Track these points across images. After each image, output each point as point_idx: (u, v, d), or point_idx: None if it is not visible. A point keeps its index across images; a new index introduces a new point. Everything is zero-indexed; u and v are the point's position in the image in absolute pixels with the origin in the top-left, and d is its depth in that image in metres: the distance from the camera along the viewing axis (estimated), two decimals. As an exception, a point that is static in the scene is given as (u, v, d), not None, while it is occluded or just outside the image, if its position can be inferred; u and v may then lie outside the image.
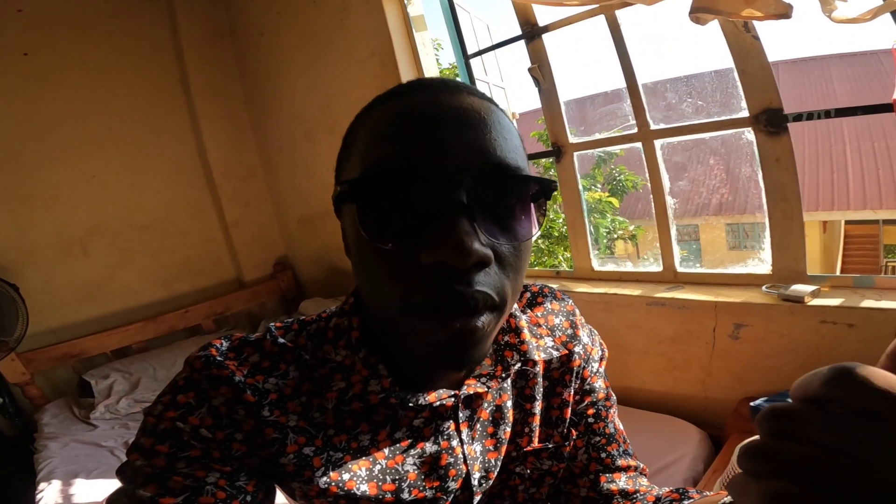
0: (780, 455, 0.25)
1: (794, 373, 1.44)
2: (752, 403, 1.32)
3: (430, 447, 0.50)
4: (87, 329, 2.40)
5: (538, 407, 0.57)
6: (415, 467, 0.50)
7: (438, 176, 0.37)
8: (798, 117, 1.40)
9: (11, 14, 2.21)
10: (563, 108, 1.85)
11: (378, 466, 0.49)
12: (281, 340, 0.50)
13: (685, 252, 7.28)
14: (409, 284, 0.39)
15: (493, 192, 0.39)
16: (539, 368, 0.57)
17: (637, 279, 1.81)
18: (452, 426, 0.51)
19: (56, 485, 1.66)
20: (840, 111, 1.40)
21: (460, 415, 0.51)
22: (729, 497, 0.42)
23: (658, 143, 1.67)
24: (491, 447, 0.54)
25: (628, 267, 1.93)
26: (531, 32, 1.81)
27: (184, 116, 2.73)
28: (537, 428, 0.57)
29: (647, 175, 1.71)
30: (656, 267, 1.77)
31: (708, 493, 0.54)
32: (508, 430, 0.55)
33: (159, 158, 2.66)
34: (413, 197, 0.38)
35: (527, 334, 0.55)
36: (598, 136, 1.93)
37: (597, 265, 1.92)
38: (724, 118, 1.56)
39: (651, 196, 1.71)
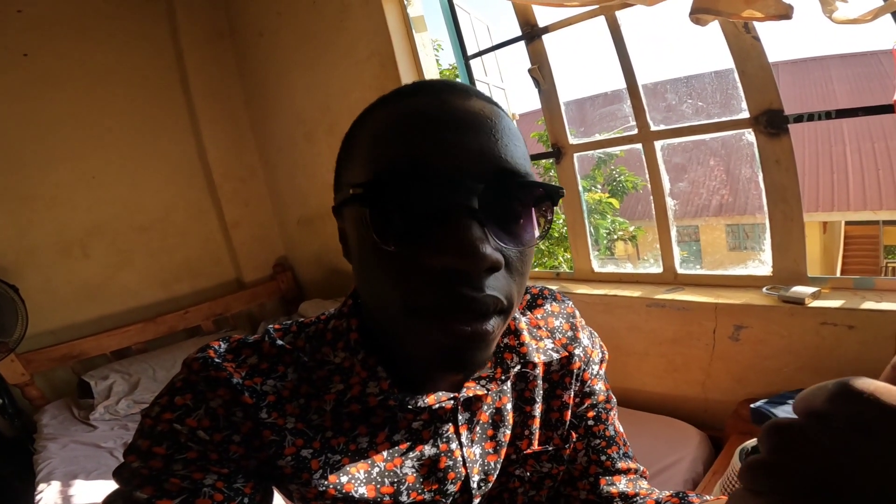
0: (780, 471, 0.24)
1: (794, 374, 1.44)
2: (752, 405, 1.32)
3: (428, 450, 0.50)
4: (87, 330, 2.40)
5: (538, 409, 0.56)
6: (413, 470, 0.50)
7: (450, 181, 0.37)
8: (798, 118, 1.40)
9: (11, 15, 2.21)
10: (563, 108, 1.85)
11: (376, 469, 0.48)
12: (279, 342, 0.50)
13: (685, 253, 7.28)
14: (416, 288, 0.38)
15: (502, 198, 0.39)
16: (539, 371, 0.56)
17: (637, 280, 1.81)
18: (451, 429, 0.51)
19: (55, 486, 1.66)
20: (840, 112, 1.40)
21: (459, 417, 0.51)
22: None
23: (658, 144, 1.67)
24: (490, 450, 0.54)
25: (628, 268, 1.93)
26: (531, 33, 1.81)
27: (183, 117, 2.73)
28: (537, 430, 0.57)
29: (647, 176, 1.71)
30: (656, 268, 1.77)
31: (708, 498, 0.54)
32: (508, 432, 0.55)
33: (159, 159, 2.66)
34: (425, 201, 0.38)
35: (526, 336, 0.55)
36: (598, 137, 1.93)
37: (597, 266, 1.92)
38: (724, 119, 1.55)
39: (651, 197, 1.71)
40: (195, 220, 2.81)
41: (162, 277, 2.69)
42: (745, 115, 1.47)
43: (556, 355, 0.58)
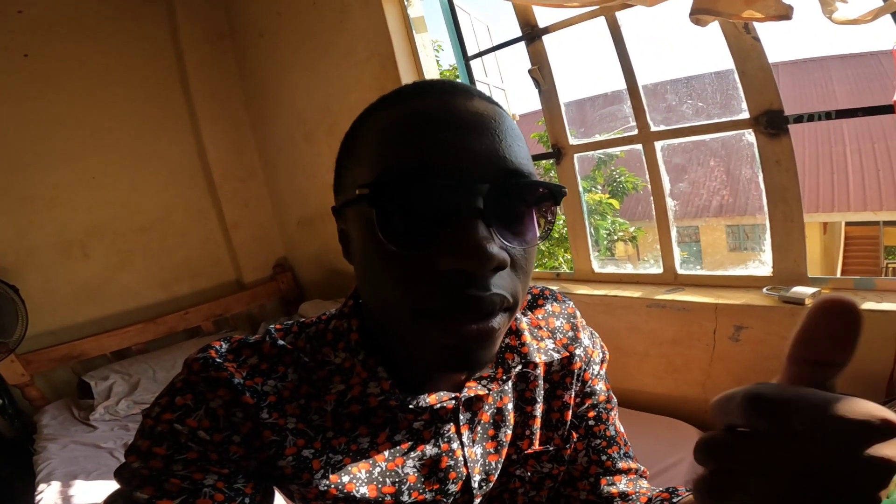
0: (716, 487, 0.25)
1: (794, 375, 1.44)
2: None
3: (430, 450, 0.50)
4: (87, 330, 2.40)
5: (539, 409, 0.57)
6: (415, 470, 0.50)
7: (456, 182, 0.37)
8: (799, 119, 1.40)
9: (12, 15, 2.21)
10: (563, 109, 1.85)
11: (378, 469, 0.49)
12: (280, 342, 0.50)
13: (685, 254, 7.28)
14: (420, 289, 0.39)
15: (506, 198, 0.39)
16: (540, 371, 0.56)
17: (637, 281, 1.81)
18: (453, 429, 0.51)
19: (55, 486, 1.66)
20: (840, 112, 1.40)
21: (461, 417, 0.51)
22: None
23: (658, 144, 1.67)
24: (492, 450, 0.54)
25: (628, 269, 1.93)
26: (531, 34, 1.81)
27: (183, 117, 2.74)
28: (538, 430, 0.57)
29: (647, 177, 1.71)
30: (656, 269, 1.77)
31: None
32: (509, 432, 0.55)
33: (159, 160, 2.66)
34: (430, 202, 0.38)
35: (527, 336, 0.55)
36: (598, 137, 1.93)
37: (597, 267, 1.92)
38: (724, 120, 1.55)
39: (651, 198, 1.71)
40: (195, 220, 2.81)
41: (162, 278, 2.69)
42: (746, 115, 1.47)
43: (556, 355, 0.58)
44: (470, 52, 2.08)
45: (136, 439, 0.44)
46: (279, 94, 2.64)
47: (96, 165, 2.46)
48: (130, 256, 2.59)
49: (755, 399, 0.24)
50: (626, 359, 1.74)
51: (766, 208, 1.51)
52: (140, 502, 0.40)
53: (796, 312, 1.40)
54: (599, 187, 5.52)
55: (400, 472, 0.49)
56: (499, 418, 0.54)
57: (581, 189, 1.93)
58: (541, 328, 0.59)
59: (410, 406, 0.47)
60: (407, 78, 2.06)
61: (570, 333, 0.60)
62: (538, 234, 0.42)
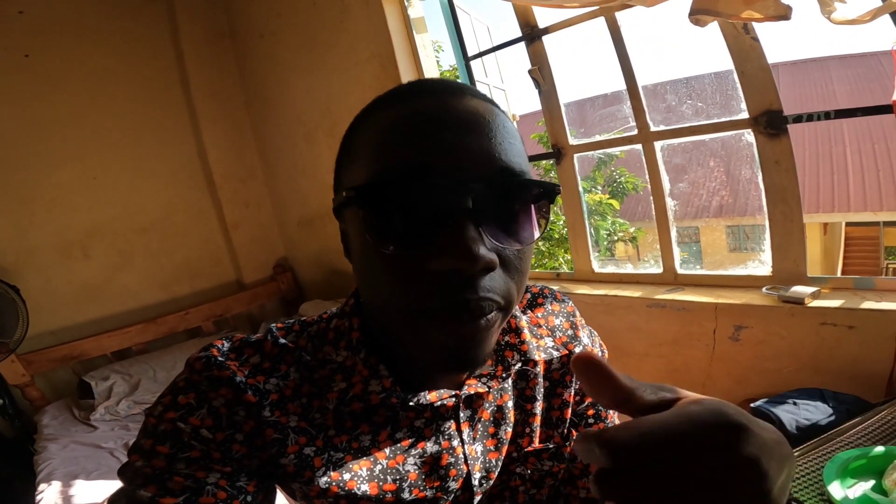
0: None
1: (794, 374, 1.44)
2: (752, 405, 1.32)
3: (430, 447, 0.51)
4: (87, 331, 2.40)
5: (539, 407, 0.57)
6: (415, 467, 0.50)
7: (447, 182, 0.37)
8: (798, 119, 1.41)
9: (12, 16, 2.21)
10: (563, 109, 1.86)
11: (379, 466, 0.49)
12: (282, 341, 0.50)
13: (686, 254, 7.28)
14: (415, 290, 0.39)
15: (498, 197, 0.39)
16: (539, 369, 0.57)
17: (637, 281, 1.81)
18: (453, 426, 0.51)
19: (56, 486, 1.66)
20: (840, 112, 1.40)
21: (461, 415, 0.51)
22: None
23: (658, 144, 1.67)
24: (492, 447, 0.54)
25: (628, 269, 1.93)
26: (531, 34, 1.82)
27: (184, 118, 2.74)
28: (538, 428, 0.57)
29: (647, 177, 1.72)
30: (656, 268, 1.77)
31: None
32: (510, 430, 0.55)
33: (159, 160, 2.66)
34: (421, 203, 0.38)
35: (527, 334, 0.55)
36: (598, 137, 1.93)
37: (597, 267, 1.92)
38: (723, 120, 1.56)
39: (651, 198, 1.71)
40: (195, 220, 2.81)
41: (162, 278, 2.69)
42: (745, 115, 1.47)
43: (556, 353, 0.58)
44: (470, 53, 2.08)
45: (139, 438, 0.44)
46: (279, 95, 2.65)
47: (97, 166, 2.47)
48: (131, 257, 2.59)
49: (604, 443, 0.24)
50: (625, 359, 1.74)
51: (765, 208, 1.51)
52: (143, 501, 0.40)
53: (796, 312, 1.40)
54: (599, 188, 5.53)
55: (401, 469, 0.49)
56: (499, 416, 0.54)
57: (581, 189, 1.93)
58: (540, 326, 0.59)
59: (411, 404, 0.47)
60: (407, 78, 2.06)
61: (570, 332, 0.60)
62: (534, 234, 0.42)
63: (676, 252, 1.72)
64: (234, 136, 2.87)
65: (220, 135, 2.81)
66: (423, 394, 0.48)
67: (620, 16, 1.59)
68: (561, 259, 4.86)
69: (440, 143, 0.38)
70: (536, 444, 0.57)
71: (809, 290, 1.40)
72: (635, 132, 1.69)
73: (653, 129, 1.66)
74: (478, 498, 0.53)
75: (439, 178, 0.38)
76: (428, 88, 0.42)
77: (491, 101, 0.44)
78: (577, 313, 0.63)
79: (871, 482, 0.90)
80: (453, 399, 0.49)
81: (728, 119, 1.54)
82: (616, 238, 5.77)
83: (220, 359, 0.46)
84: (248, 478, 0.45)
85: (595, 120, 7.28)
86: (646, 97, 1.65)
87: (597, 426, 0.60)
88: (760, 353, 1.48)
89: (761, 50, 1.39)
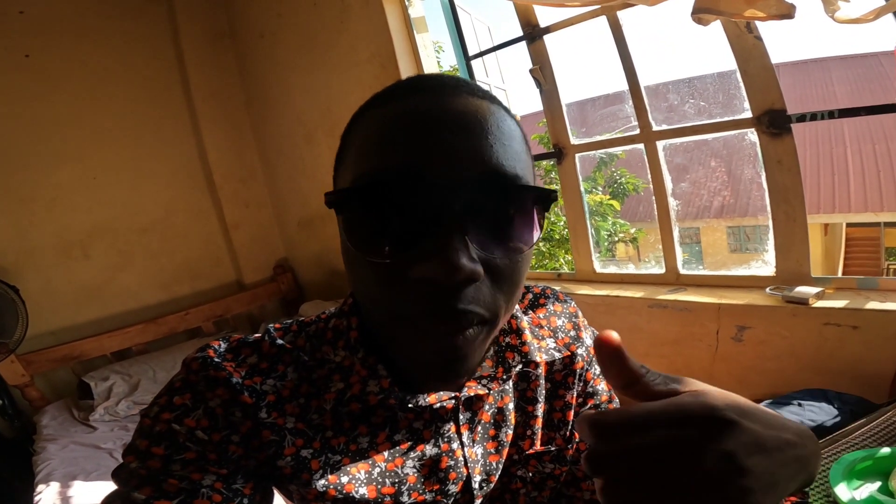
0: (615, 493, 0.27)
1: (796, 375, 1.44)
2: (755, 406, 1.31)
3: (430, 450, 0.50)
4: (87, 331, 2.40)
5: (540, 409, 0.56)
6: (414, 470, 0.49)
7: (430, 187, 0.35)
8: (801, 118, 1.40)
9: (13, 16, 2.21)
10: (564, 109, 1.85)
11: (377, 469, 0.48)
12: (279, 342, 0.49)
13: (687, 255, 7.27)
14: (396, 297, 0.38)
15: (488, 203, 0.37)
16: (541, 370, 0.56)
17: (639, 281, 1.80)
18: (453, 428, 0.51)
19: (54, 486, 1.66)
20: (843, 112, 1.40)
21: (461, 417, 0.50)
22: None
23: (660, 144, 1.66)
24: (492, 450, 0.53)
25: (630, 269, 1.92)
26: (532, 34, 1.81)
27: (184, 118, 2.74)
28: (539, 430, 0.56)
29: (648, 177, 1.71)
30: (658, 269, 1.76)
31: None
32: (510, 432, 0.54)
33: (159, 160, 2.66)
34: (403, 209, 0.36)
35: (528, 336, 0.54)
36: (599, 137, 1.93)
37: (598, 267, 1.92)
38: (726, 119, 1.55)
39: (653, 198, 1.70)
40: (195, 221, 2.81)
41: (162, 279, 2.69)
42: (748, 114, 1.47)
43: (558, 354, 0.57)
44: (471, 52, 2.08)
45: (135, 439, 0.43)
46: (280, 95, 2.65)
47: (97, 166, 2.46)
48: (131, 257, 2.59)
49: (591, 423, 0.27)
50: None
51: (768, 208, 1.50)
52: (138, 502, 0.39)
53: (799, 312, 1.39)
54: (600, 188, 5.52)
55: (399, 472, 0.49)
56: (499, 418, 0.53)
57: (582, 189, 1.92)
58: (542, 327, 0.58)
59: (410, 405, 0.47)
60: (408, 78, 2.05)
61: (573, 333, 0.59)
62: (527, 243, 0.39)
63: (679, 252, 1.71)
64: (235, 136, 2.87)
65: (221, 135, 2.81)
66: (421, 395, 0.47)
67: (622, 15, 1.59)
68: (562, 260, 4.85)
69: (426, 144, 0.36)
70: (538, 446, 0.56)
71: (814, 290, 1.39)
72: (637, 132, 1.68)
73: (655, 128, 1.65)
74: (478, 501, 0.53)
75: (424, 182, 0.36)
76: (422, 86, 0.41)
77: (491, 99, 0.42)
78: (580, 314, 0.62)
79: (878, 483, 0.89)
80: (453, 401, 0.48)
81: (731, 118, 1.53)
82: (617, 239, 5.77)
83: (216, 359, 0.45)
84: (245, 480, 0.44)
85: (596, 119, 7.28)
86: (648, 97, 1.64)
87: None
88: (763, 354, 1.47)
89: (764, 49, 1.38)
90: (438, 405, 0.47)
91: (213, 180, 2.80)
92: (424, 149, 0.36)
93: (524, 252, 0.39)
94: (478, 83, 0.47)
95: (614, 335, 0.28)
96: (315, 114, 2.48)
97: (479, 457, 0.52)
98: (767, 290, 1.49)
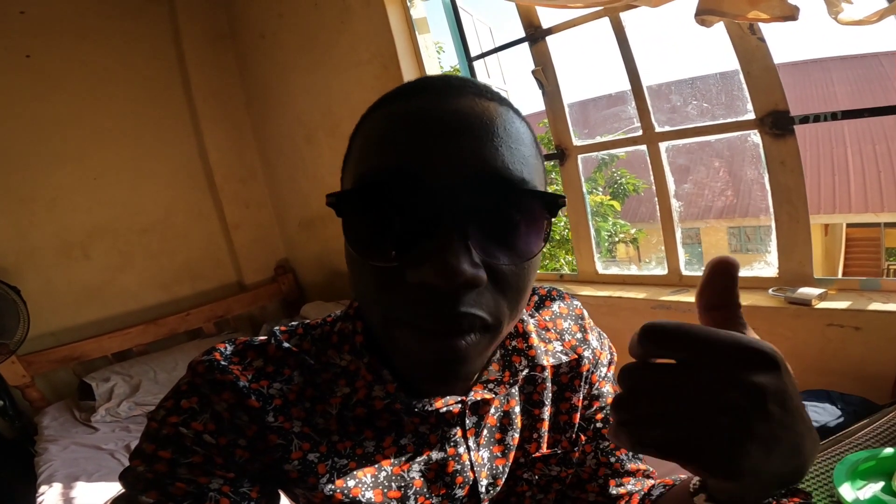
0: (628, 405, 0.28)
1: (799, 376, 1.43)
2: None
3: (436, 454, 0.50)
4: (88, 332, 2.40)
5: (547, 412, 0.56)
6: (421, 474, 0.49)
7: (431, 190, 0.35)
8: (804, 119, 1.40)
9: (14, 16, 2.21)
10: (566, 110, 1.85)
11: (383, 473, 0.48)
12: (286, 345, 0.49)
13: (687, 255, 7.27)
14: (393, 301, 0.37)
15: (492, 206, 0.36)
16: (547, 373, 0.56)
17: (641, 282, 1.80)
18: (459, 433, 0.50)
19: (57, 487, 1.66)
20: (846, 113, 1.39)
21: (467, 421, 0.50)
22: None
23: (663, 145, 1.66)
24: (499, 454, 0.53)
25: (632, 270, 1.92)
26: (535, 35, 1.81)
27: (184, 118, 2.74)
28: (546, 433, 0.56)
29: (650, 178, 1.71)
30: (660, 270, 1.76)
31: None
32: (517, 436, 0.54)
33: (160, 160, 2.66)
34: (402, 211, 0.36)
35: (535, 339, 0.54)
36: (601, 139, 1.92)
37: (601, 268, 1.91)
38: (729, 120, 1.55)
39: (656, 199, 1.70)
40: (196, 221, 2.81)
41: (163, 279, 2.69)
42: (751, 116, 1.47)
43: (564, 357, 0.57)
44: (473, 54, 2.07)
45: (141, 442, 0.43)
46: (280, 96, 2.64)
47: (97, 166, 2.46)
48: (131, 258, 2.59)
49: (646, 328, 0.28)
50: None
51: (771, 209, 1.50)
52: None
53: (802, 313, 1.39)
54: (600, 189, 5.52)
55: (406, 476, 0.49)
56: (506, 422, 0.53)
57: (584, 190, 1.92)
58: (548, 330, 0.58)
59: (416, 410, 0.46)
60: (409, 79, 2.05)
61: (579, 335, 0.59)
62: (532, 249, 0.38)
63: (681, 253, 1.71)
64: (235, 136, 2.87)
65: (221, 135, 2.81)
66: (427, 400, 0.47)
67: (625, 16, 1.59)
68: (562, 260, 4.85)
69: (426, 145, 0.36)
70: (544, 449, 0.56)
71: (817, 291, 1.39)
72: (640, 133, 1.68)
73: (658, 129, 1.65)
74: None
75: (423, 183, 0.35)
76: (427, 87, 0.40)
77: (500, 101, 0.41)
78: (586, 315, 0.62)
79: (881, 484, 0.89)
80: (459, 405, 0.48)
81: (734, 120, 1.53)
82: (617, 239, 5.77)
83: (222, 363, 0.45)
84: (251, 483, 0.44)
85: (599, 120, 7.28)
86: (650, 98, 1.64)
87: (605, 430, 0.60)
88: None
89: (767, 50, 1.38)
90: (445, 409, 0.47)
91: (213, 181, 2.80)
92: (424, 150, 0.36)
93: (530, 258, 0.38)
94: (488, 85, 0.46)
95: (736, 262, 0.29)
96: (316, 114, 2.48)
97: (486, 461, 0.52)
98: (770, 291, 1.49)
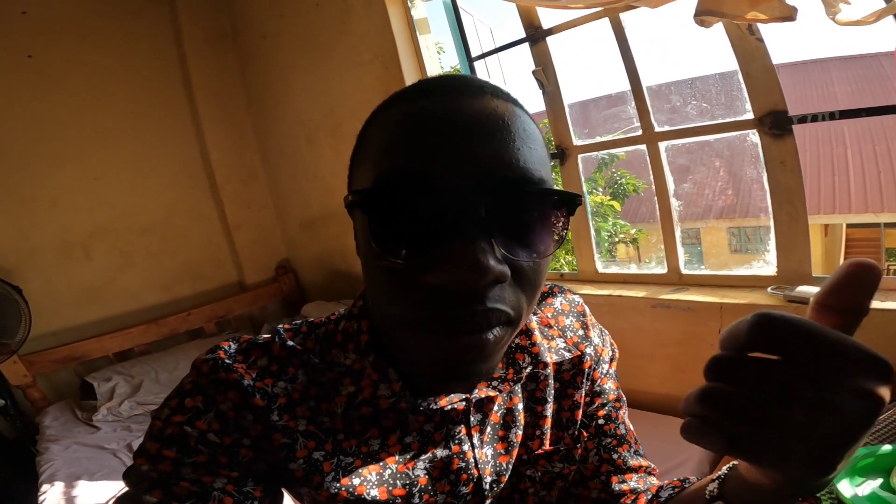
0: (717, 400, 0.27)
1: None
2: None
3: (440, 452, 0.50)
4: (89, 332, 2.40)
5: (549, 409, 0.56)
6: (425, 472, 0.50)
7: (455, 190, 0.36)
8: (803, 119, 1.40)
9: (15, 16, 2.22)
10: (567, 110, 1.85)
11: (388, 471, 0.48)
12: (290, 343, 0.49)
13: (688, 255, 7.27)
14: (418, 300, 0.38)
15: (513, 206, 0.37)
16: (550, 370, 0.56)
17: (641, 281, 1.80)
18: (463, 430, 0.51)
19: (58, 486, 1.66)
20: (844, 113, 1.40)
21: (471, 419, 0.51)
22: (723, 473, 0.42)
23: (662, 145, 1.67)
24: (502, 451, 0.53)
25: (632, 269, 1.93)
26: (535, 35, 1.81)
27: (186, 119, 2.74)
28: (548, 430, 0.56)
29: (650, 178, 1.71)
30: (661, 269, 1.77)
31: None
32: (520, 433, 0.54)
33: (161, 161, 2.66)
34: (428, 211, 0.36)
35: (538, 336, 0.54)
36: (601, 139, 1.93)
37: (601, 267, 1.92)
38: (728, 120, 1.56)
39: (655, 198, 1.71)
40: (197, 222, 2.81)
41: (164, 279, 2.69)
42: (750, 116, 1.47)
43: (568, 355, 0.57)
44: (473, 54, 2.08)
45: (145, 441, 0.43)
46: (281, 96, 2.65)
47: (98, 166, 2.46)
48: (132, 258, 2.59)
49: (763, 318, 0.26)
50: (632, 360, 1.73)
51: (770, 209, 1.51)
52: None
53: (801, 312, 1.37)
54: (600, 189, 5.52)
55: (411, 474, 0.49)
56: (509, 419, 0.54)
57: (585, 190, 1.93)
58: (551, 327, 0.59)
59: (421, 408, 0.47)
60: (410, 79, 2.06)
61: (581, 332, 0.60)
62: (550, 246, 0.39)
63: (681, 252, 1.72)
64: (236, 136, 2.87)
65: (222, 135, 2.81)
66: (432, 398, 0.47)
67: (625, 17, 1.59)
68: (562, 260, 4.85)
69: (450, 145, 0.36)
70: (547, 446, 0.56)
71: (815, 289, 1.39)
72: (640, 132, 1.69)
73: (657, 129, 1.65)
74: (488, 502, 0.53)
75: (448, 183, 0.36)
76: (443, 86, 0.40)
77: (514, 102, 0.41)
78: (588, 311, 0.63)
79: (880, 480, 0.90)
80: (463, 403, 0.48)
81: (733, 119, 1.54)
82: (617, 240, 5.77)
83: (227, 361, 0.45)
84: (255, 483, 0.44)
85: (599, 121, 7.28)
86: (650, 98, 1.64)
87: (607, 427, 0.60)
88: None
89: (766, 51, 1.39)
90: (449, 408, 0.48)
91: (214, 181, 2.80)
92: (449, 150, 0.36)
93: (548, 255, 0.40)
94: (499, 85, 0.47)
95: (880, 269, 0.28)
96: (317, 115, 2.48)
97: (490, 458, 0.52)
98: (769, 289, 1.49)
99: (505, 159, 0.37)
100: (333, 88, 2.33)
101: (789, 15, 1.18)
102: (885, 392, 0.25)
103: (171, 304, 2.68)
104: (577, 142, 1.86)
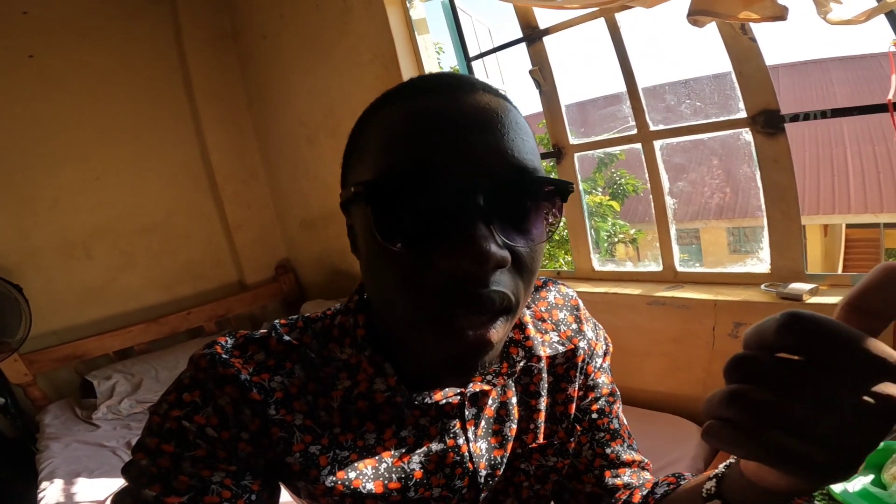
0: (739, 400, 0.26)
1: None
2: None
3: (436, 446, 0.51)
4: (89, 331, 2.40)
5: (543, 403, 0.56)
6: (421, 466, 0.50)
7: (456, 181, 0.37)
8: (795, 118, 1.41)
9: (16, 16, 2.22)
10: (563, 109, 1.86)
11: (384, 465, 0.49)
12: (286, 338, 0.50)
13: (686, 255, 7.27)
14: (423, 292, 0.39)
15: (510, 195, 0.39)
16: (543, 364, 0.56)
17: (637, 279, 1.81)
18: (458, 424, 0.51)
19: (58, 484, 1.67)
20: (836, 111, 1.41)
21: (466, 413, 0.51)
22: (720, 471, 0.43)
23: (657, 144, 1.68)
24: (496, 444, 0.54)
25: (628, 267, 1.94)
26: (532, 35, 1.83)
27: (186, 119, 2.74)
28: (542, 424, 0.56)
29: (647, 176, 1.72)
30: (656, 266, 1.78)
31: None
32: (514, 426, 0.55)
33: (161, 161, 2.67)
34: (429, 201, 0.38)
35: (531, 330, 0.55)
36: (597, 137, 1.94)
37: (597, 265, 1.93)
38: (721, 119, 1.57)
39: (651, 196, 1.72)
40: (197, 221, 2.82)
41: (164, 279, 2.69)
42: (743, 115, 1.48)
43: (561, 348, 0.58)
44: (471, 54, 2.09)
45: (144, 436, 0.44)
46: (282, 96, 2.66)
47: (99, 166, 2.47)
48: (133, 257, 2.59)
49: (794, 317, 0.25)
50: (627, 358, 1.74)
51: (763, 206, 1.52)
52: (148, 500, 0.40)
53: (796, 309, 1.40)
54: (600, 189, 5.53)
55: (406, 468, 0.49)
56: (503, 413, 0.54)
57: (581, 188, 1.94)
58: (545, 321, 0.59)
59: (416, 402, 0.47)
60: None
61: (574, 326, 0.60)
62: (545, 232, 0.41)
63: (676, 249, 1.73)
64: (237, 136, 2.88)
65: (223, 135, 2.82)
66: (427, 392, 0.48)
67: (620, 17, 1.60)
68: (561, 261, 4.86)
69: (452, 140, 0.38)
70: (541, 439, 0.56)
71: (807, 286, 1.41)
72: (635, 131, 1.70)
73: (652, 128, 1.66)
74: (483, 495, 0.53)
75: (450, 176, 0.37)
76: (439, 83, 0.42)
77: (504, 97, 0.43)
78: (582, 305, 0.63)
79: (871, 476, 0.91)
80: (458, 397, 0.49)
81: (726, 118, 1.55)
82: (616, 239, 5.77)
83: (224, 356, 0.46)
84: (253, 476, 0.45)
85: (595, 120, 7.29)
86: (645, 97, 1.65)
87: (600, 421, 0.61)
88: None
89: (759, 50, 1.40)
90: (444, 402, 0.48)
91: (215, 181, 2.81)
92: (452, 143, 0.38)
93: (543, 241, 0.42)
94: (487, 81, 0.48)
95: None
96: (317, 115, 2.49)
97: (484, 451, 0.53)
98: (762, 286, 1.50)
99: (501, 151, 0.39)
100: (333, 88, 2.34)
101: (781, 14, 1.19)
102: None
103: (172, 304, 2.69)
104: (573, 140, 1.87)
